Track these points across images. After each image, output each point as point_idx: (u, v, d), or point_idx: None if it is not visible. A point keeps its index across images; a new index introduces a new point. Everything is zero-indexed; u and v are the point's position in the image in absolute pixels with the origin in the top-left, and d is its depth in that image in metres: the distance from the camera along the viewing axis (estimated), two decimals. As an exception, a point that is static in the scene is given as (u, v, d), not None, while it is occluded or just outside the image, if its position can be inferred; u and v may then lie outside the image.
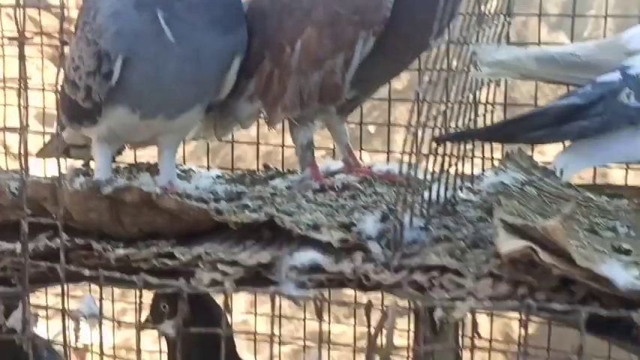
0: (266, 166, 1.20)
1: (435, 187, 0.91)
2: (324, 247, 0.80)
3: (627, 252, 0.83)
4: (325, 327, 0.78)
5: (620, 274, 0.68)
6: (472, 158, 1.07)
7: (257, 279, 0.78)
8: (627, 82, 0.90)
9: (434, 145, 0.87)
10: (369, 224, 0.82)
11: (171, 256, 0.81)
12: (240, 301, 1.40)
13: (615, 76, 0.91)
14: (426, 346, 0.73)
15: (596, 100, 0.89)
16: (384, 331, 0.71)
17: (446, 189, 0.95)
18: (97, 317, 0.79)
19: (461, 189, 1.02)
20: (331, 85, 0.98)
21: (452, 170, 0.97)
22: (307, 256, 0.78)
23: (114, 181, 0.87)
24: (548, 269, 0.72)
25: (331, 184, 1.03)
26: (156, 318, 1.12)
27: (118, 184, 0.85)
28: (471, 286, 0.75)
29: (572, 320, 0.69)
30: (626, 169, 1.26)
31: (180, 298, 0.79)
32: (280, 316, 1.07)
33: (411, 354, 1.18)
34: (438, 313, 0.71)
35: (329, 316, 0.99)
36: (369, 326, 0.73)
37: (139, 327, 0.77)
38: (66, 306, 0.77)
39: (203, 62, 0.98)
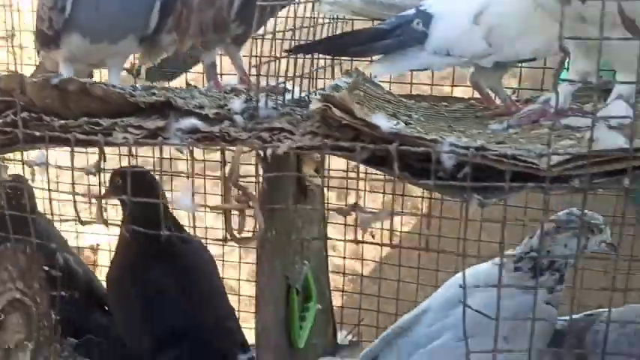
0: (188, 84, 1.24)
1: (290, 88, 0.97)
2: (203, 118, 0.84)
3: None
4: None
5: (384, 123, 0.75)
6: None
7: (154, 137, 0.83)
8: (418, 15, 0.96)
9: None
10: (237, 104, 0.86)
11: (98, 124, 0.85)
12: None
13: (411, 12, 0.96)
14: (265, 174, 0.79)
15: (397, 27, 0.95)
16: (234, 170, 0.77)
17: (300, 90, 1.00)
18: (45, 164, 0.83)
19: (315, 93, 1.06)
20: (221, 20, 1.02)
21: (305, 81, 1.02)
22: (190, 122, 0.82)
23: (61, 76, 0.89)
24: (348, 127, 0.79)
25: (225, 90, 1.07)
26: (112, 190, 1.15)
27: (64, 77, 0.88)
28: (297, 138, 0.80)
29: (353, 156, 0.76)
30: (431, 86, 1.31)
31: (101, 150, 0.84)
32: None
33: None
34: (268, 151, 0.77)
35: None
36: (223, 163, 0.79)
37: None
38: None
39: (132, 2, 1.01)
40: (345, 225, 1.41)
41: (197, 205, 0.78)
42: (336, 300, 1.49)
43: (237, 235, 0.78)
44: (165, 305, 1.06)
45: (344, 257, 1.62)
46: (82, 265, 1.43)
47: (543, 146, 0.77)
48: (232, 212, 0.79)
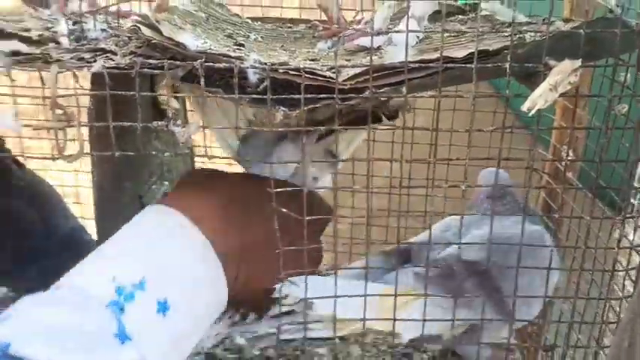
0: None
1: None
2: (29, 41, 0.86)
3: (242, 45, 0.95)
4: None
5: (191, 41, 0.79)
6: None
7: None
8: None
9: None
10: (63, 26, 0.88)
11: None
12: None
13: None
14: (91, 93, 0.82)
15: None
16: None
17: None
18: None
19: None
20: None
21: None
22: (11, 45, 0.84)
23: None
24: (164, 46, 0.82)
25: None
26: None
27: None
28: (117, 59, 0.83)
29: (170, 74, 0.80)
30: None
31: None
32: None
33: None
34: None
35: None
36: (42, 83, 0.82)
37: None
38: None
39: None
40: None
41: (20, 125, 0.80)
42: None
43: (64, 153, 0.82)
44: (18, 223, 1.10)
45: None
46: None
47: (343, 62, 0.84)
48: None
